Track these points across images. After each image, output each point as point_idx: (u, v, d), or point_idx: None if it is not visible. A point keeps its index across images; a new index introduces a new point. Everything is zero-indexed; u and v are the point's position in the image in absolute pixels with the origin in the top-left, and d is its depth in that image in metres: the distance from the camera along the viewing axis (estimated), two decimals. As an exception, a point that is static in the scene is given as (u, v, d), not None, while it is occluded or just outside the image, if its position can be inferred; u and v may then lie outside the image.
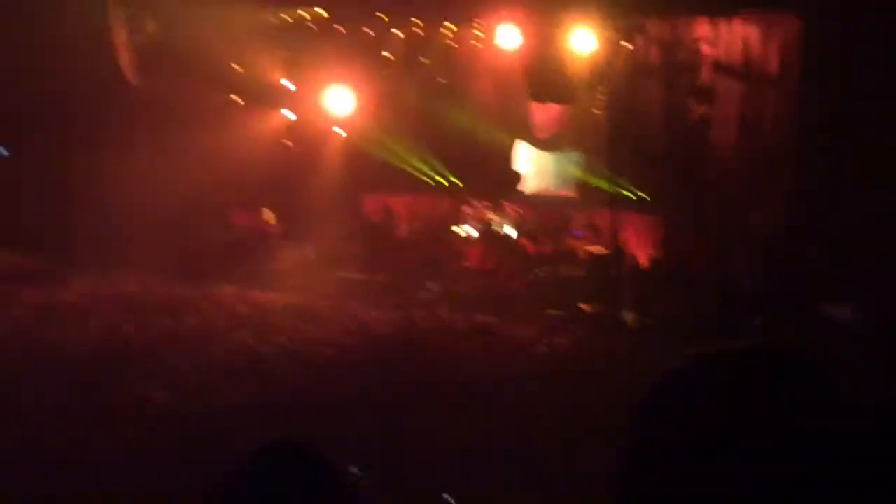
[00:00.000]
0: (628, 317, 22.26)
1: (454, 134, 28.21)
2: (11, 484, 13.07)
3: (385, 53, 27.89)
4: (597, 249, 24.78)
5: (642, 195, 25.42)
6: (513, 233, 26.87)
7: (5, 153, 30.91)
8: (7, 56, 25.94)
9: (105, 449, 14.30)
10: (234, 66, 28.84)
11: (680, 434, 1.54)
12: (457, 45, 28.10)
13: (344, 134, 29.19)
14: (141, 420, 15.54)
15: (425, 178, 29.31)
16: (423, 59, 28.18)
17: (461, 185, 28.80)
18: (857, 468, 1.48)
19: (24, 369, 17.94)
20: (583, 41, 24.65)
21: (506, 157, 28.61)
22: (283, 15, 28.05)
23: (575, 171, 27.36)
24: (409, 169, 29.24)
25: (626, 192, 24.77)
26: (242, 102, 29.67)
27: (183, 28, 26.63)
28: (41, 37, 25.44)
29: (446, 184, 29.03)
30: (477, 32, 27.38)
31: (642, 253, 24.40)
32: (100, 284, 25.15)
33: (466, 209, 27.99)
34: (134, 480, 13.22)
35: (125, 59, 27.62)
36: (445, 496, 12.24)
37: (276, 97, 29.64)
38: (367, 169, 28.78)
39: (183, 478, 12.57)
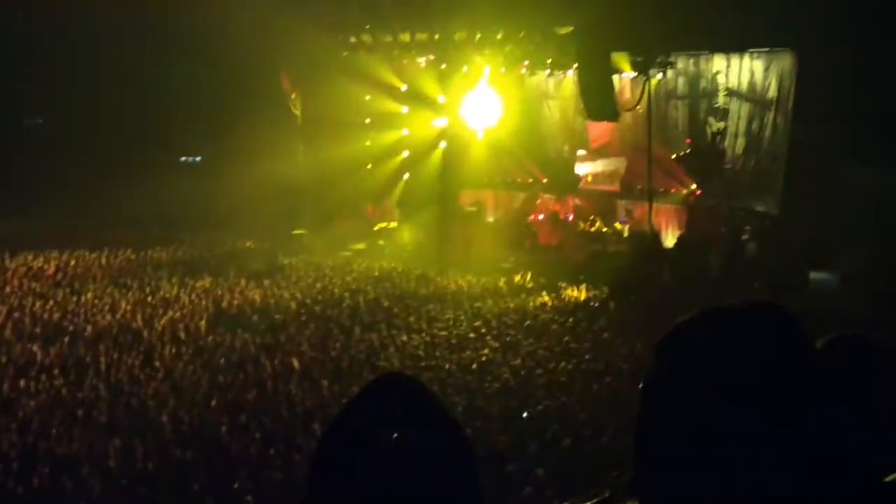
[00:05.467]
0: (661, 279, 22.52)
1: (533, 145, 28.97)
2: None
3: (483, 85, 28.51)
4: (636, 230, 25.31)
5: (672, 190, 25.82)
6: (572, 218, 27.45)
7: (198, 160, 32.82)
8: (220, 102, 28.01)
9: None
10: (367, 97, 30.11)
11: (684, 372, 1.46)
12: (532, 79, 28.95)
13: (444, 145, 29.97)
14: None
15: (512, 178, 30.02)
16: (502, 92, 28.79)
17: (538, 182, 29.45)
18: (807, 400, 1.43)
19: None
20: (626, 74, 25.07)
21: (569, 162, 29.25)
22: (404, 61, 29.02)
23: (620, 172, 27.93)
24: (498, 171, 29.97)
25: (658, 187, 25.13)
26: (368, 121, 30.90)
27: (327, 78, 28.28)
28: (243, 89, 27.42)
29: (529, 181, 29.69)
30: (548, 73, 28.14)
31: (671, 233, 24.84)
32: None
33: (538, 201, 28.65)
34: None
35: (291, 98, 29.36)
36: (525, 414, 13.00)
37: (396, 120, 30.67)
38: (463, 170, 29.51)
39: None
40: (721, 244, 23.34)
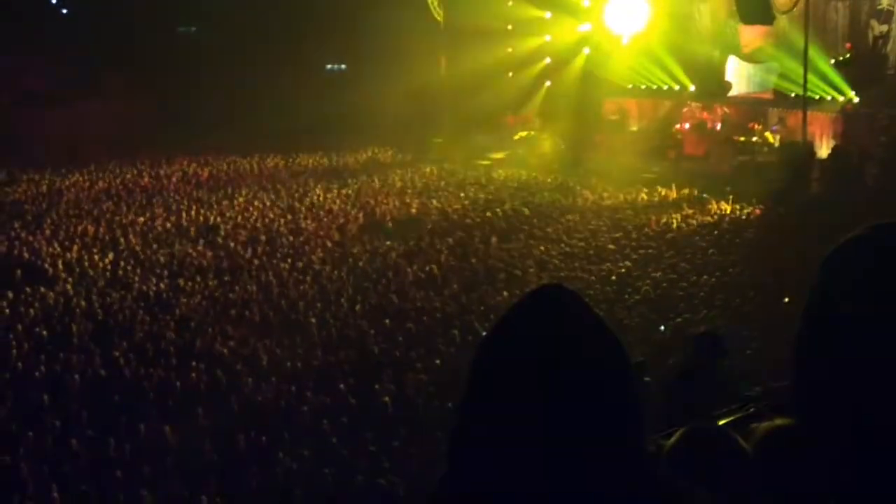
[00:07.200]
0: (813, 191, 21.64)
1: (680, 50, 27.90)
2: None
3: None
4: (788, 140, 24.21)
5: (827, 96, 24.50)
6: (720, 127, 26.50)
7: (343, 68, 33.28)
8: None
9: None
10: (509, 2, 29.68)
11: (854, 291, 1.35)
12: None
13: (587, 52, 29.29)
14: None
15: (656, 85, 29.05)
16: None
17: (684, 90, 28.43)
18: None
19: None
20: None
21: (719, 68, 28.09)
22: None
23: (772, 79, 26.68)
24: (643, 78, 29.10)
25: (814, 94, 23.83)
26: (510, 27, 30.55)
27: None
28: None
29: (676, 88, 28.68)
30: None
31: (825, 143, 23.68)
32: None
33: (685, 109, 27.77)
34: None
35: (433, 5, 29.26)
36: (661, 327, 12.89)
37: (538, 26, 30.21)
38: (606, 78, 28.84)
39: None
40: (879, 154, 22.04)
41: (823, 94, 24.40)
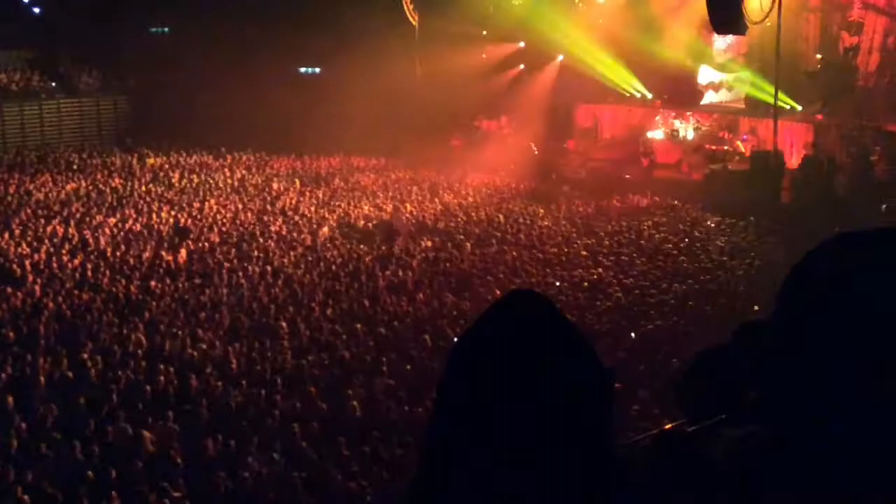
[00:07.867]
0: (783, 200, 21.78)
1: (652, 59, 28.03)
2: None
3: None
4: (758, 149, 24.40)
5: (798, 106, 24.71)
6: (692, 136, 26.65)
7: (317, 71, 33.13)
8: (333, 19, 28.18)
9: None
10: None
11: (825, 299, 1.36)
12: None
13: (561, 58, 29.38)
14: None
15: (628, 93, 29.15)
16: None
17: (655, 98, 28.57)
18: None
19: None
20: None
21: (691, 77, 28.27)
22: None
23: (744, 88, 26.89)
24: (613, 86, 29.20)
25: (784, 104, 24.03)
26: (484, 33, 30.58)
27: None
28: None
29: (649, 97, 28.79)
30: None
31: (795, 152, 23.87)
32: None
33: (657, 117, 27.89)
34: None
35: (408, 10, 29.24)
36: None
37: (512, 32, 30.28)
38: (580, 85, 28.90)
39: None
40: (848, 165, 22.26)
41: (794, 105, 24.63)
